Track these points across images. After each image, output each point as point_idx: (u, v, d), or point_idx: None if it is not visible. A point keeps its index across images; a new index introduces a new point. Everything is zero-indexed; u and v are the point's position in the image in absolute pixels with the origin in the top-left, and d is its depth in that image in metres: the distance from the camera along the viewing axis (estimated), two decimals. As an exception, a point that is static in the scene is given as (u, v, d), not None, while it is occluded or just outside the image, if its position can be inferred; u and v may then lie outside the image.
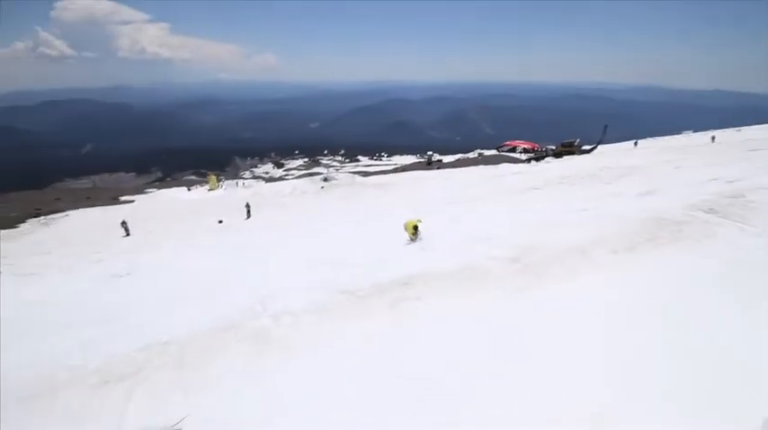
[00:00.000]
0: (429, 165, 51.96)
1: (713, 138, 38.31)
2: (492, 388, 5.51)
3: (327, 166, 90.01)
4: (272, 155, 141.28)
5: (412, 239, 13.65)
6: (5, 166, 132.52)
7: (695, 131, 54.99)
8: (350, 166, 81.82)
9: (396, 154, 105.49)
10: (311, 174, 55.60)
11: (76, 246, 21.82)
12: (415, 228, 13.55)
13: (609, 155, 37.06)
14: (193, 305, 10.24)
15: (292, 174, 76.76)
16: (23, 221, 29.75)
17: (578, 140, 46.02)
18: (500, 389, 5.45)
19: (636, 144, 45.83)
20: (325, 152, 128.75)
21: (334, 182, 37.51)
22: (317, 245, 16.18)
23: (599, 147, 44.91)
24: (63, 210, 33.51)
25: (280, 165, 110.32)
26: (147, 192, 46.88)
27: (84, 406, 6.65)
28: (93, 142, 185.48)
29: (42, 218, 30.73)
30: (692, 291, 7.35)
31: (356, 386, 6.04)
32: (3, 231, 27.04)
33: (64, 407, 6.66)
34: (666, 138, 52.42)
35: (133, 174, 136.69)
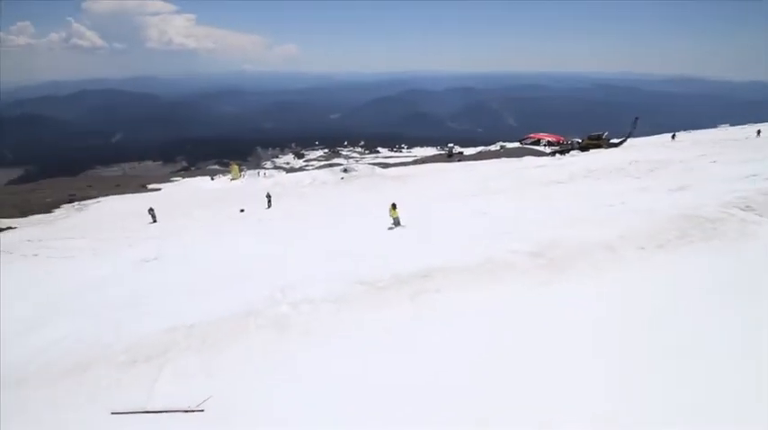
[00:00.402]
0: (450, 157, 51.34)
1: (759, 132, 35.98)
2: (508, 387, 5.45)
3: (347, 157, 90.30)
4: (293, 145, 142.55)
5: (395, 221, 15.46)
6: (42, 154, 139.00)
7: (732, 125, 52.06)
8: (369, 158, 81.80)
9: (416, 145, 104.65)
10: (331, 165, 55.92)
11: (108, 231, 22.73)
12: (394, 206, 15.46)
13: (639, 148, 35.63)
14: (216, 290, 10.53)
15: (312, 165, 77.37)
16: (58, 206, 31.21)
17: (606, 133, 44.37)
18: (515, 389, 5.39)
19: (674, 137, 43.26)
20: (345, 143, 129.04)
21: (353, 173, 37.59)
22: (336, 235, 16.30)
23: (628, 140, 43.19)
24: (95, 197, 34.96)
25: (300, 156, 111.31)
26: (172, 181, 48.29)
27: (114, 383, 6.98)
28: (122, 131, 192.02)
29: (76, 203, 32.14)
30: (725, 292, 7.03)
31: (373, 376, 6.09)
32: (39, 215, 28.46)
33: (94, 385, 7.01)
34: (701, 131, 49.95)
35: (160, 162, 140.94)
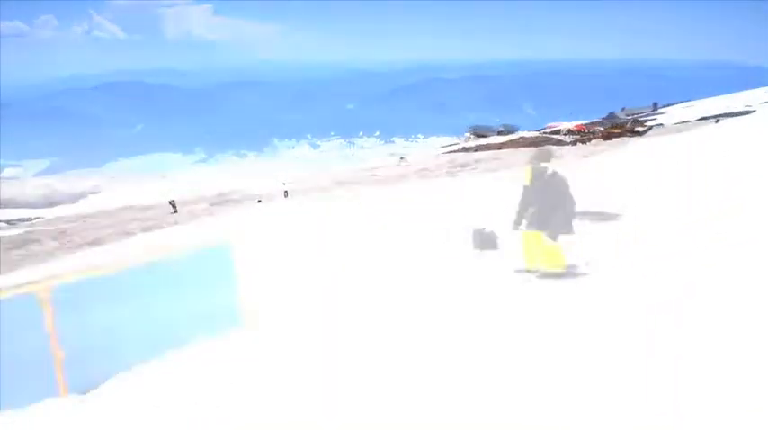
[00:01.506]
0: (468, 148, 50.65)
1: None
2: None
3: (362, 148, 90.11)
4: (309, 136, 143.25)
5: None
6: (67, 146, 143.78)
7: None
8: (385, 148, 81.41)
9: (432, 135, 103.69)
10: (347, 156, 55.83)
11: (130, 221, 23.31)
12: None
13: (671, 137, 34.11)
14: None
15: (328, 156, 77.51)
16: (84, 197, 32.22)
17: (630, 120, 42.87)
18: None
19: (717, 121, 38.79)
20: (361, 133, 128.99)
21: (370, 163, 37.46)
22: (353, 227, 16.20)
23: (655, 126, 41.62)
24: (118, 188, 35.95)
25: (316, 147, 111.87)
26: (191, 172, 49.21)
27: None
28: (143, 123, 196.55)
29: (101, 194, 33.11)
30: None
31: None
32: (66, 206, 29.41)
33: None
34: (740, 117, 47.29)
35: (179, 154, 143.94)
